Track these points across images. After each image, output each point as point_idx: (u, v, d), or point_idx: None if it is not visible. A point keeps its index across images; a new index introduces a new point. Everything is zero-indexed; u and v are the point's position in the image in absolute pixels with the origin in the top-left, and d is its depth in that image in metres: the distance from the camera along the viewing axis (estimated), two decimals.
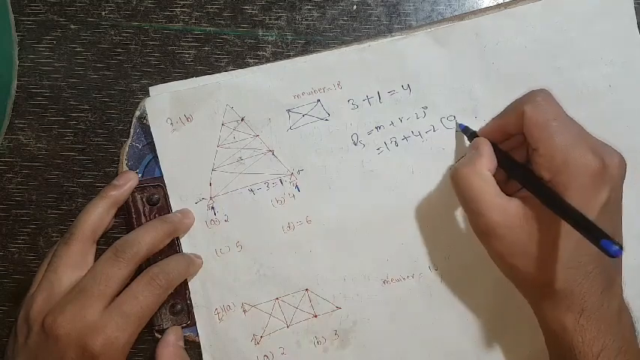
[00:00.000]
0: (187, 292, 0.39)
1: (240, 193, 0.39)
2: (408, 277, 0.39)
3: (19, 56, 0.41)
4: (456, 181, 0.35)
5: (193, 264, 0.39)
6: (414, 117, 0.39)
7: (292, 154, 0.40)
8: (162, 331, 0.39)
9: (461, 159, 0.36)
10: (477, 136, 0.37)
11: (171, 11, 0.41)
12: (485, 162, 0.34)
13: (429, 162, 0.39)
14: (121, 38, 0.41)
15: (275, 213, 0.39)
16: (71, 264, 0.36)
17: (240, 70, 0.40)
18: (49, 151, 0.41)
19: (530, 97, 0.34)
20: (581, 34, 0.39)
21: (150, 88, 0.40)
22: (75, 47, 0.41)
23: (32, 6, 0.41)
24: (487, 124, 0.38)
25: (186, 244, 0.39)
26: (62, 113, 0.41)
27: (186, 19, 0.41)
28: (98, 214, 0.37)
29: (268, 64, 0.40)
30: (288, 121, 0.40)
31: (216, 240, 0.39)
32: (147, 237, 0.36)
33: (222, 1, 0.41)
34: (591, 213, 0.31)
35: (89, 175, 0.41)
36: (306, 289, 0.39)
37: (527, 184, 0.33)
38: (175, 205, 0.39)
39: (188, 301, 0.39)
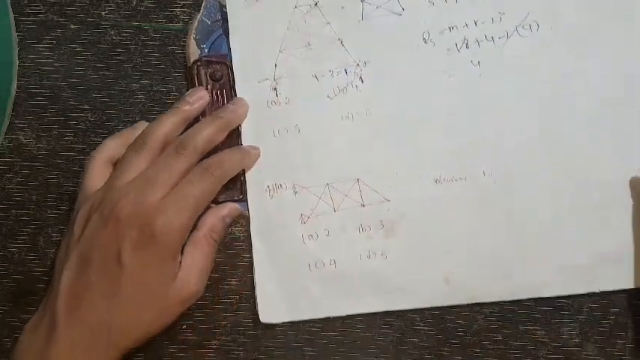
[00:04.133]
0: (242, 169, 0.40)
1: (305, 77, 0.40)
2: (460, 178, 0.39)
3: (19, 56, 0.41)
4: None
5: (248, 155, 0.40)
6: (490, 21, 0.39)
7: (360, 45, 0.40)
8: (215, 201, 0.39)
9: None
10: None
11: (172, 11, 0.41)
12: None
13: (499, 68, 0.39)
14: (121, 38, 0.41)
15: (336, 102, 0.40)
16: (138, 172, 0.37)
17: None
18: (49, 151, 0.41)
19: None
20: None
21: None
22: (75, 47, 0.41)
23: (32, 6, 0.41)
24: None
25: (246, 123, 0.40)
26: (62, 113, 0.41)
27: (186, 19, 0.41)
28: (171, 125, 0.38)
29: None
30: (361, 11, 0.40)
31: (275, 121, 0.40)
32: (203, 132, 0.37)
33: None
34: None
35: None
36: (357, 179, 0.40)
37: None
38: (239, 81, 0.40)
39: (242, 178, 0.40)
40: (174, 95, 0.41)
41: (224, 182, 0.38)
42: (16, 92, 0.41)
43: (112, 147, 0.38)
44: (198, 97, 0.39)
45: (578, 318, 0.40)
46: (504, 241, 0.39)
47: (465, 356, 0.40)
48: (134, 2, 0.41)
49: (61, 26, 0.41)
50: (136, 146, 0.37)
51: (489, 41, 0.39)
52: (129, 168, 0.37)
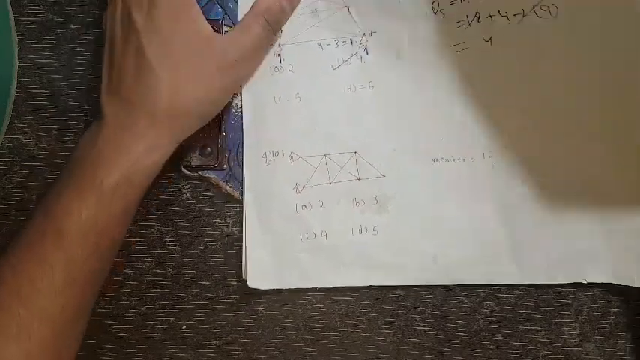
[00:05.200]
0: (219, 137, 0.40)
1: (309, 45, 0.39)
2: (458, 159, 0.39)
3: (19, 56, 0.41)
4: None
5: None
6: None
7: (367, 14, 0.39)
8: (189, 167, 0.40)
9: None
10: None
11: None
12: None
13: (511, 46, 0.38)
14: None
15: (340, 72, 0.39)
16: None
17: None
18: (49, 151, 0.41)
19: None
20: None
21: None
22: (75, 47, 0.41)
23: (32, 6, 0.41)
24: None
25: (247, 87, 0.39)
26: (62, 113, 0.41)
27: None
28: None
29: None
30: None
31: (277, 87, 0.39)
32: None
33: None
34: None
35: None
36: (355, 152, 0.39)
37: None
38: None
39: (219, 146, 0.40)
40: None
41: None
42: (16, 92, 0.41)
43: None
44: None
45: (578, 318, 0.40)
46: (495, 227, 0.39)
47: (465, 356, 0.40)
48: None
49: (61, 26, 0.41)
50: None
51: (503, 16, 0.38)
52: None
